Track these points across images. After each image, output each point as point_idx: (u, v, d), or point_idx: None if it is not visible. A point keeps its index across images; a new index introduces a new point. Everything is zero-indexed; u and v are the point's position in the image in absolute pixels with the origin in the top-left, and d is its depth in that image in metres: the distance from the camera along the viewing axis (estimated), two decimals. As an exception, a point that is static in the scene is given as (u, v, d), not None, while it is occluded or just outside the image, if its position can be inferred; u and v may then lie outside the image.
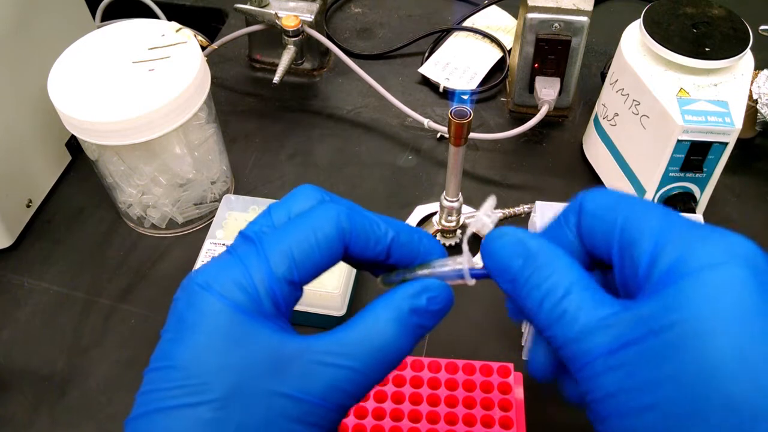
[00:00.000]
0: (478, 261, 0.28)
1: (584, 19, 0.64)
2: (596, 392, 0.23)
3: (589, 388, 0.23)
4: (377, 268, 0.31)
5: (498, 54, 0.80)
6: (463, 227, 0.60)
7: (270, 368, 0.25)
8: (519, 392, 0.49)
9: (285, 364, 0.25)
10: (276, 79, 0.71)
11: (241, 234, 0.28)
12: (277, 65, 0.72)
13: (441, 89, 0.77)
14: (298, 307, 0.54)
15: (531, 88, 0.70)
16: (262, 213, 0.29)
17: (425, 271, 0.29)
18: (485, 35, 0.81)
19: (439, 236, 0.61)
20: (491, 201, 0.30)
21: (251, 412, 0.25)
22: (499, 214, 0.28)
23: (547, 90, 0.67)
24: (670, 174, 0.57)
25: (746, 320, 0.19)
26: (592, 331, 0.23)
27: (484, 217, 0.29)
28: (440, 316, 0.28)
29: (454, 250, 0.61)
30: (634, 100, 0.59)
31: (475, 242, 0.62)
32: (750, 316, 0.19)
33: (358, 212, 0.28)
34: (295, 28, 0.71)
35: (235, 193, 0.68)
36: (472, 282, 0.28)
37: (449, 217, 0.58)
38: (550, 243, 0.26)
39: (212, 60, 0.75)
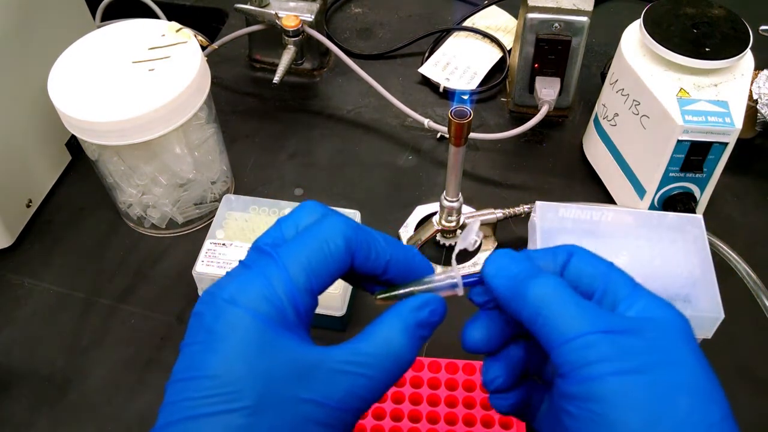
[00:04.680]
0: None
1: (584, 19, 0.64)
2: (591, 357, 0.27)
3: (583, 354, 0.27)
4: (370, 284, 0.33)
5: (498, 54, 0.80)
6: (463, 227, 0.60)
7: (296, 376, 0.27)
8: (519, 392, 0.49)
9: (309, 372, 0.27)
10: (276, 79, 0.71)
11: (255, 248, 0.30)
12: (277, 65, 0.72)
13: (441, 89, 0.77)
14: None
15: (531, 88, 0.70)
16: (271, 227, 0.31)
17: (422, 287, 0.32)
18: (485, 35, 0.81)
19: (439, 236, 0.61)
20: (478, 222, 0.36)
21: (280, 416, 0.26)
22: (481, 234, 0.35)
23: (547, 90, 0.67)
24: (670, 174, 0.57)
25: (689, 342, 0.28)
26: (589, 313, 0.28)
27: (474, 237, 0.34)
28: (437, 325, 0.31)
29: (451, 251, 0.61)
30: (634, 100, 0.59)
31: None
32: (689, 340, 0.29)
33: (360, 227, 0.31)
34: (295, 28, 0.71)
35: (235, 193, 0.68)
36: (462, 291, 0.32)
37: (449, 217, 0.58)
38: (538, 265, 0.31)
39: (212, 60, 0.75)
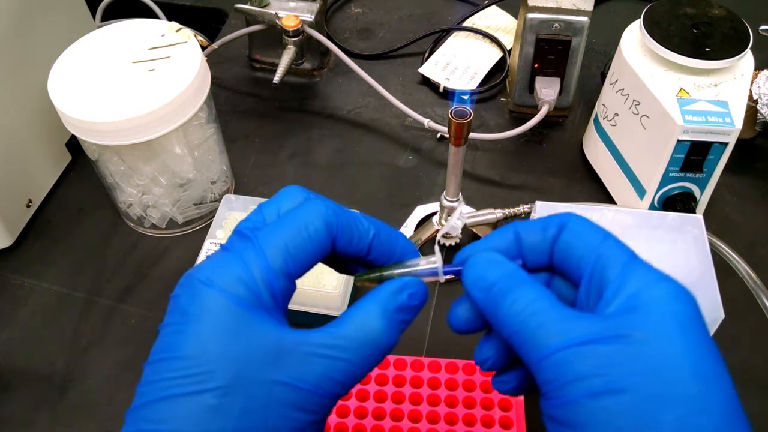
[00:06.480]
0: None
1: (584, 19, 0.64)
2: (566, 376, 0.26)
3: (558, 373, 0.26)
4: (355, 265, 0.32)
5: (498, 54, 0.80)
6: (464, 228, 0.60)
7: (270, 358, 0.27)
8: (519, 392, 0.49)
9: (283, 355, 0.27)
10: (276, 79, 0.71)
11: (236, 231, 0.30)
12: (277, 65, 0.72)
13: (441, 89, 0.77)
14: (298, 308, 0.54)
15: (531, 88, 0.70)
16: (253, 211, 0.31)
17: (402, 270, 0.31)
18: (485, 35, 0.81)
19: (439, 236, 0.61)
20: (461, 205, 0.32)
21: (253, 398, 0.26)
22: (466, 219, 0.32)
23: (547, 90, 0.67)
24: (670, 174, 0.57)
25: (683, 334, 0.26)
26: (565, 324, 0.27)
27: (457, 221, 0.32)
28: (418, 310, 0.30)
29: (449, 250, 0.61)
30: (634, 100, 0.59)
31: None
32: (684, 331, 0.26)
33: (342, 209, 0.30)
34: (295, 28, 0.71)
35: (235, 193, 0.68)
36: (443, 279, 0.31)
37: (449, 217, 0.58)
38: (518, 268, 0.30)
39: (212, 60, 0.75)
